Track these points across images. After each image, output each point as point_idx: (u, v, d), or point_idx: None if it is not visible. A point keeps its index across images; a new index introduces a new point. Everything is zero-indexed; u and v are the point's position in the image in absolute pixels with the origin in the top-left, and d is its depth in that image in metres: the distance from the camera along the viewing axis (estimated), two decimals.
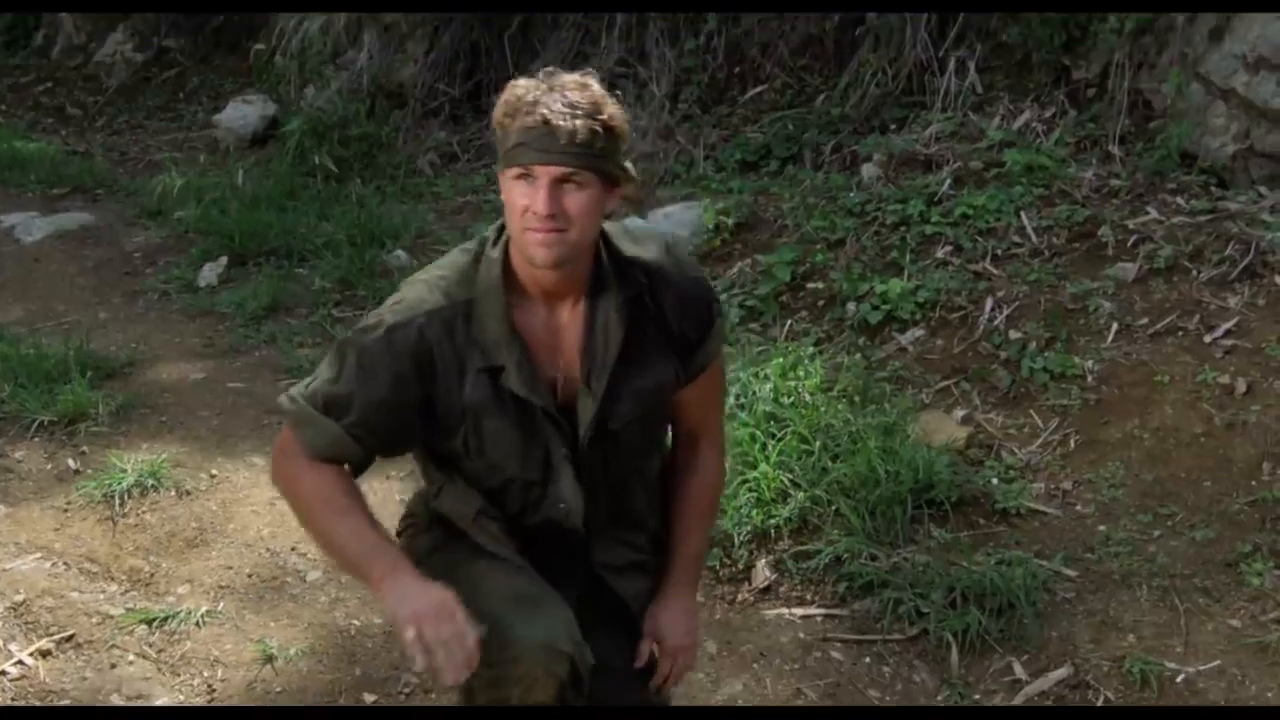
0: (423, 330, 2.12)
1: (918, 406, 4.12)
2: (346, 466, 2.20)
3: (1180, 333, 4.22)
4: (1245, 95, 4.91)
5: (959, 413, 4.13)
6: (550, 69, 2.10)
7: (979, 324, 4.41)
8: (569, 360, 2.19)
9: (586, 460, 2.22)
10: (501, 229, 2.18)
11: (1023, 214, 4.83)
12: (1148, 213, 4.77)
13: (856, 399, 4.02)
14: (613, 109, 2.08)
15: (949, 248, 4.80)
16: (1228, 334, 4.16)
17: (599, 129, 2.04)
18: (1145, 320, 4.29)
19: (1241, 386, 3.95)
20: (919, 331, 4.47)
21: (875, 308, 4.54)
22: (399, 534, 2.41)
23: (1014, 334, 4.33)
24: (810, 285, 4.79)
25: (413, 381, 2.13)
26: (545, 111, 2.01)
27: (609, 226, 2.22)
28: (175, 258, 5.90)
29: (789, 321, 4.64)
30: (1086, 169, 5.07)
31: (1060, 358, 4.18)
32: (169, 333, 5.10)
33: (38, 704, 3.01)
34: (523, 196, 2.05)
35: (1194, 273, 4.42)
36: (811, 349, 4.33)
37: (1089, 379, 4.12)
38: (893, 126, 5.73)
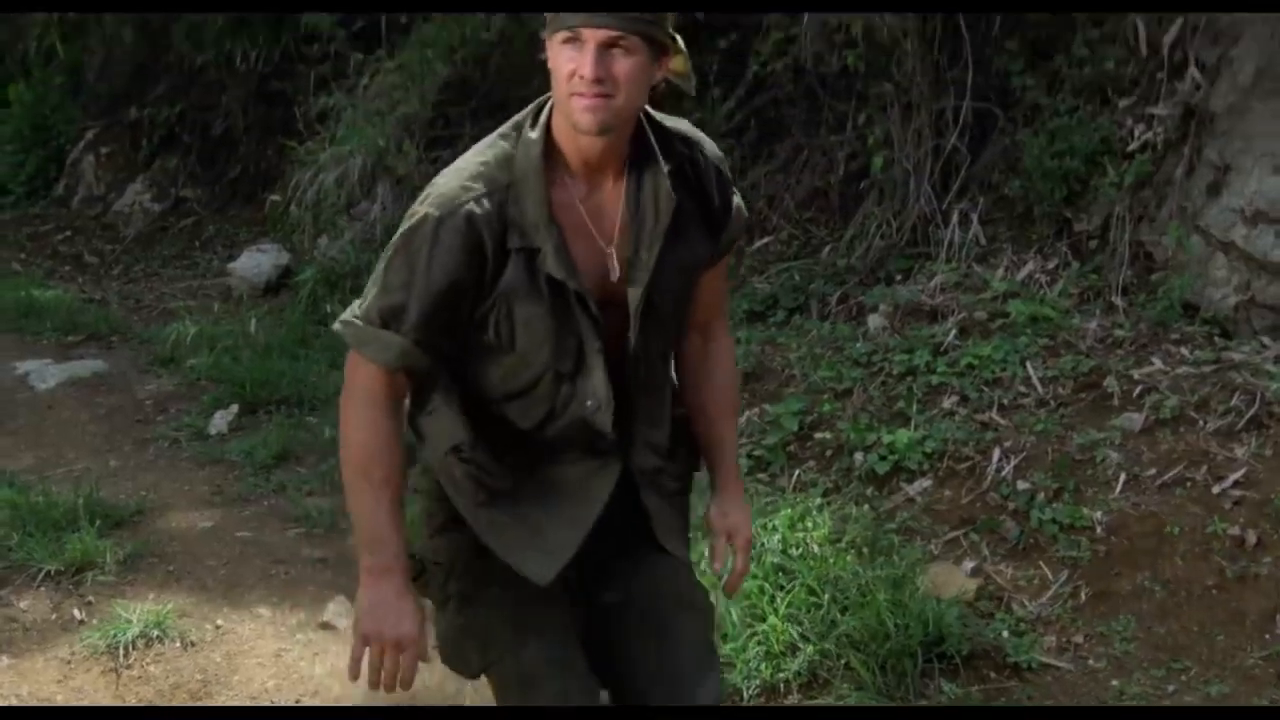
0: (470, 217, 2.07)
1: (927, 558, 4.10)
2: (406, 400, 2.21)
3: (1188, 483, 4.21)
4: (1245, 248, 4.98)
5: (968, 564, 4.11)
6: None
7: (987, 474, 4.41)
8: (610, 237, 2.15)
9: (633, 342, 2.17)
10: (538, 111, 2.16)
11: (1028, 364, 4.87)
12: (1152, 363, 4.80)
13: (865, 550, 4.01)
14: None
15: (955, 398, 4.82)
16: (1236, 485, 4.16)
17: None
18: (1153, 471, 4.29)
19: (1252, 538, 3.94)
20: (927, 482, 4.48)
21: (883, 458, 4.55)
22: (428, 534, 2.34)
23: (1022, 484, 4.33)
24: (818, 435, 4.81)
25: (465, 270, 2.08)
26: None
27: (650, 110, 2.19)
28: (187, 405, 5.95)
29: (797, 472, 4.65)
30: (1090, 320, 5.12)
31: (1069, 509, 4.18)
32: (178, 481, 5.12)
33: None
34: (569, 61, 2.03)
35: (1200, 423, 4.44)
36: (819, 500, 4.33)
37: (1098, 530, 4.11)
38: (898, 277, 5.80)
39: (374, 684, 2.09)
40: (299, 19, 7.79)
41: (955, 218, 5.85)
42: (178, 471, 5.23)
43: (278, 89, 8.80)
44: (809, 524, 4.08)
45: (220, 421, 5.64)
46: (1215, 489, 4.15)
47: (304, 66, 8.03)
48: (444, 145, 7.41)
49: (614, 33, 2.00)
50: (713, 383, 2.41)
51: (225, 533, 4.64)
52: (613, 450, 2.24)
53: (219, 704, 3.59)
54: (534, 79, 7.07)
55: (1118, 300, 5.23)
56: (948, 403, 4.81)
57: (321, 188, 7.18)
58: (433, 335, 2.11)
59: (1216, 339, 4.96)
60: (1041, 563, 4.06)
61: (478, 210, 2.07)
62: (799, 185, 6.56)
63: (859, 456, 4.61)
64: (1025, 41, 6.04)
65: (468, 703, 3.39)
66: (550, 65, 2.07)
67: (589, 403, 2.17)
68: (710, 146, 2.28)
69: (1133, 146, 5.50)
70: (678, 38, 2.15)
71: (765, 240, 6.51)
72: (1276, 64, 5.04)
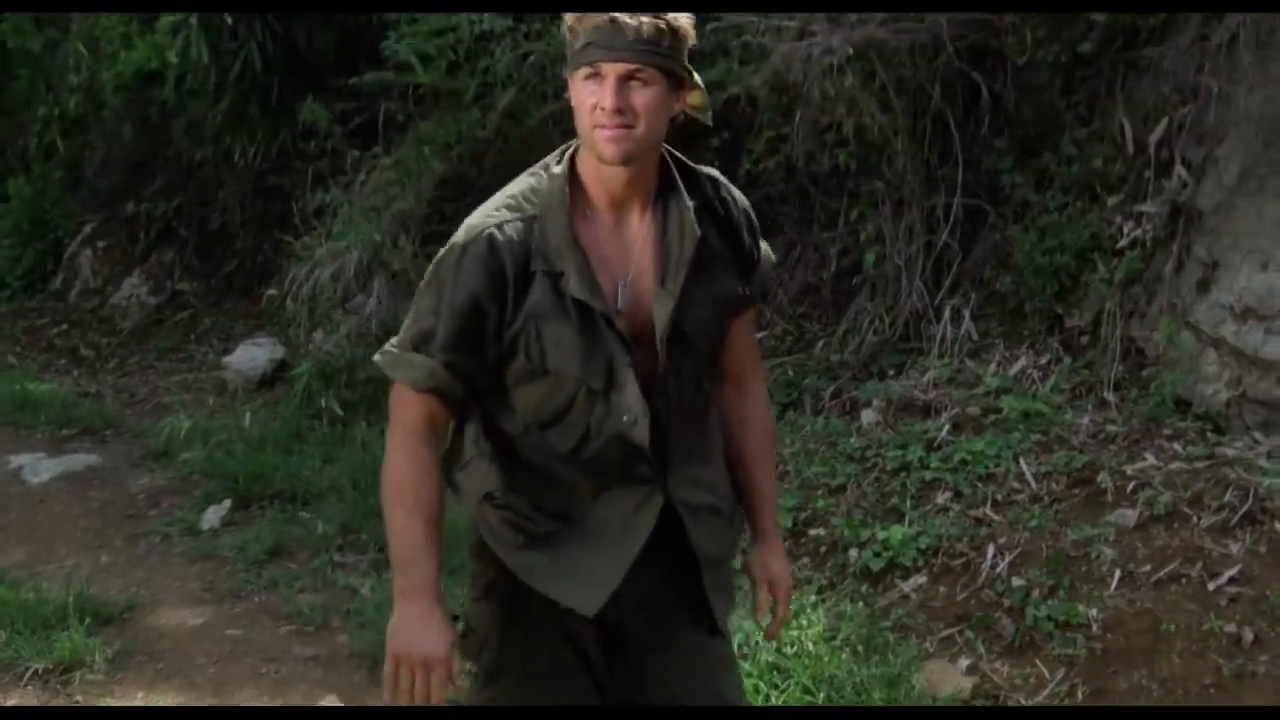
0: (492, 241, 2.17)
1: (921, 656, 4.07)
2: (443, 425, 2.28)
3: (1183, 580, 4.20)
4: (1235, 343, 5.02)
5: (963, 662, 4.08)
6: None
7: (981, 571, 4.40)
8: (638, 267, 2.22)
9: (662, 371, 2.22)
10: (563, 152, 2.26)
11: (1021, 460, 4.87)
12: (1145, 459, 4.81)
13: (860, 649, 3.98)
14: (677, 12, 2.15)
15: (949, 493, 4.82)
16: (1231, 581, 4.15)
17: (664, 27, 2.12)
18: (1148, 567, 4.28)
19: (1249, 636, 3.92)
20: (921, 579, 4.46)
21: (877, 554, 4.54)
22: (472, 597, 2.41)
23: (1017, 581, 4.31)
24: (812, 531, 4.80)
25: (486, 290, 2.16)
26: (613, 12, 2.09)
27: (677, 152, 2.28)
28: (179, 500, 5.93)
29: (791, 569, 4.63)
30: (1083, 415, 5.14)
31: (1064, 605, 4.16)
32: (169, 577, 5.09)
33: None
34: (591, 95, 2.12)
35: (1194, 519, 4.43)
36: (814, 597, 4.31)
37: (1094, 627, 4.08)
38: (891, 373, 5.83)
39: (404, 702, 2.17)
40: (296, 116, 7.88)
41: (947, 313, 5.90)
42: (169, 567, 5.20)
43: (275, 184, 8.88)
44: (804, 621, 4.06)
45: (213, 516, 5.62)
46: (1211, 586, 4.14)
47: (301, 162, 8.11)
48: (439, 240, 7.38)
49: (632, 66, 2.11)
50: (748, 431, 2.45)
51: (215, 630, 4.60)
52: (652, 480, 2.27)
53: None
54: None
55: (1110, 396, 5.26)
56: (941, 498, 4.80)
57: (317, 282, 7.21)
58: (460, 356, 2.20)
59: (1209, 434, 4.97)
60: (1038, 660, 4.03)
61: (499, 235, 2.18)
62: (792, 281, 6.61)
63: (853, 553, 4.60)
64: (1014, 139, 6.14)
65: None
66: (574, 102, 2.17)
67: (624, 417, 2.21)
68: (739, 193, 2.36)
69: (1122, 243, 5.56)
70: (694, 72, 2.24)
71: (759, 335, 6.54)
72: (1260, 163, 5.11)
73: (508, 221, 2.19)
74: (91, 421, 7.21)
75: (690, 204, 2.23)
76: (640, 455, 2.24)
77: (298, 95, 7.96)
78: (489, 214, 2.21)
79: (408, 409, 2.25)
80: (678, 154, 2.29)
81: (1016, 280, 5.83)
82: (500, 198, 2.24)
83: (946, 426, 5.15)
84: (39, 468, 6.38)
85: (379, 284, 7.41)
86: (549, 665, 2.32)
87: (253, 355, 7.87)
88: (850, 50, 5.88)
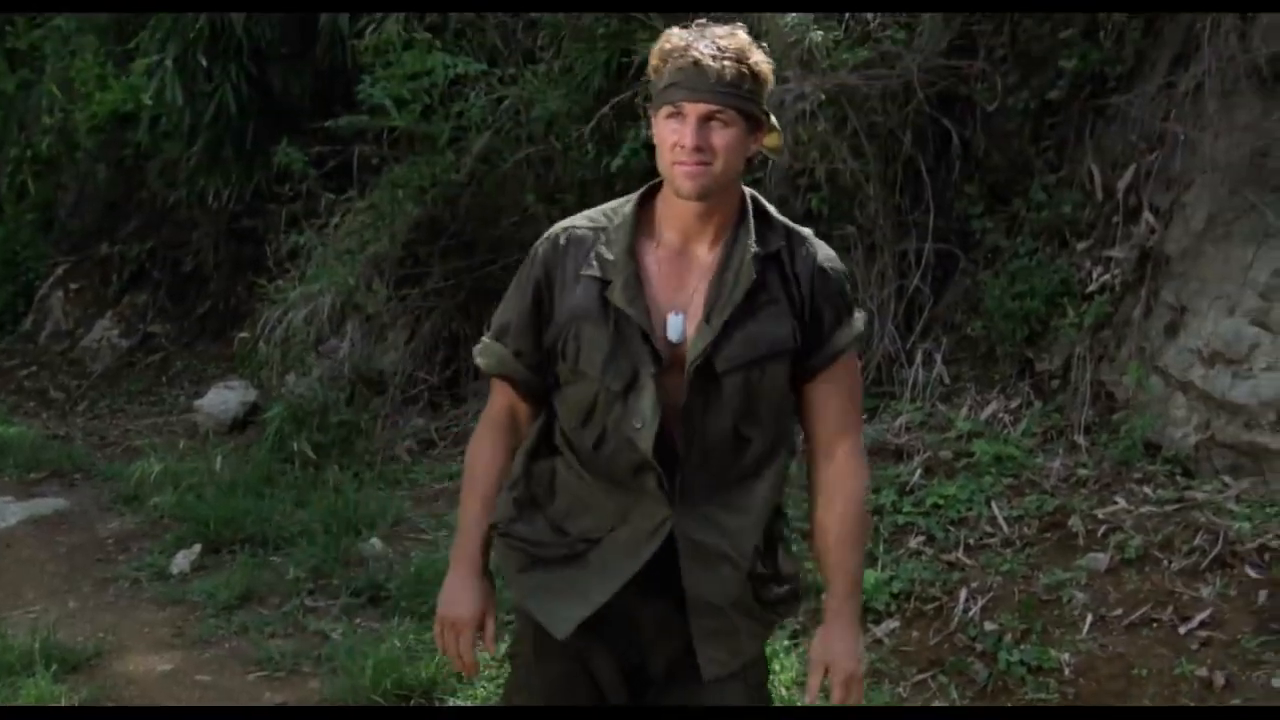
0: (557, 241, 2.37)
1: (895, 701, 4.07)
2: (520, 411, 2.45)
3: (1155, 624, 4.21)
4: (1203, 388, 5.05)
5: (938, 706, 4.08)
6: (703, 21, 2.30)
7: (954, 615, 4.40)
8: (694, 300, 2.30)
9: (687, 401, 2.27)
10: (650, 185, 2.37)
11: (993, 504, 4.89)
12: (1116, 502, 4.83)
13: None
14: (758, 56, 2.27)
15: (922, 537, 4.83)
16: (1202, 625, 4.16)
17: (745, 71, 2.23)
18: (1119, 611, 4.29)
19: (1220, 680, 3.93)
20: (894, 623, 4.46)
21: None
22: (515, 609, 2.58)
23: (989, 625, 4.32)
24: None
25: (544, 284, 2.35)
26: (696, 54, 2.21)
27: (764, 201, 2.37)
28: (148, 544, 5.88)
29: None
30: (1054, 459, 5.16)
31: (1036, 650, 4.16)
32: (138, 622, 5.04)
33: None
34: (673, 133, 2.23)
35: (1165, 563, 4.45)
36: (787, 641, 4.30)
37: (1066, 672, 4.09)
38: (863, 417, 5.83)
39: (449, 656, 2.46)
40: (271, 158, 7.90)
41: (919, 357, 5.93)
42: (138, 612, 5.15)
43: (249, 227, 8.89)
44: (776, 667, 4.04)
45: (183, 561, 5.58)
46: (1182, 629, 4.15)
47: (275, 205, 8.11)
48: (413, 284, 7.49)
49: (712, 107, 2.22)
50: (833, 507, 2.39)
51: (185, 676, 4.56)
52: (667, 509, 2.30)
53: None
54: (502, 219, 7.19)
55: (1080, 439, 5.28)
56: (914, 543, 4.81)
57: (290, 325, 7.20)
58: (528, 345, 2.38)
59: (1179, 478, 5.00)
60: (1010, 705, 4.03)
61: (562, 238, 2.37)
62: None
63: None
64: (984, 185, 6.20)
65: None
66: (656, 139, 2.29)
67: (635, 421, 2.27)
68: (821, 250, 2.38)
69: (1091, 288, 5.61)
70: (772, 115, 2.34)
71: None
72: (1227, 209, 5.17)
73: (580, 227, 2.37)
74: (60, 464, 7.15)
75: (755, 248, 2.29)
76: (648, 467, 2.28)
77: (272, 138, 7.97)
78: (570, 220, 2.41)
79: (492, 396, 2.49)
80: (763, 201, 2.38)
81: (987, 325, 5.87)
82: (588, 211, 2.42)
83: (919, 470, 5.16)
84: (6, 511, 6.32)
85: (352, 327, 7.41)
86: (559, 694, 2.41)
87: (224, 398, 7.83)
88: (823, 96, 5.94)
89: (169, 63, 8.20)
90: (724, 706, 2.37)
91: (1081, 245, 5.75)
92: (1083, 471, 5.05)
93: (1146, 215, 5.49)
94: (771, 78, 2.29)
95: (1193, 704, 3.85)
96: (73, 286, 10.23)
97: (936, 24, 6.09)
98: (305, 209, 7.81)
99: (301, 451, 6.63)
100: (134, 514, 6.31)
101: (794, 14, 5.99)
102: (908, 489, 5.07)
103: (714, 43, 2.23)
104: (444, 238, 7.43)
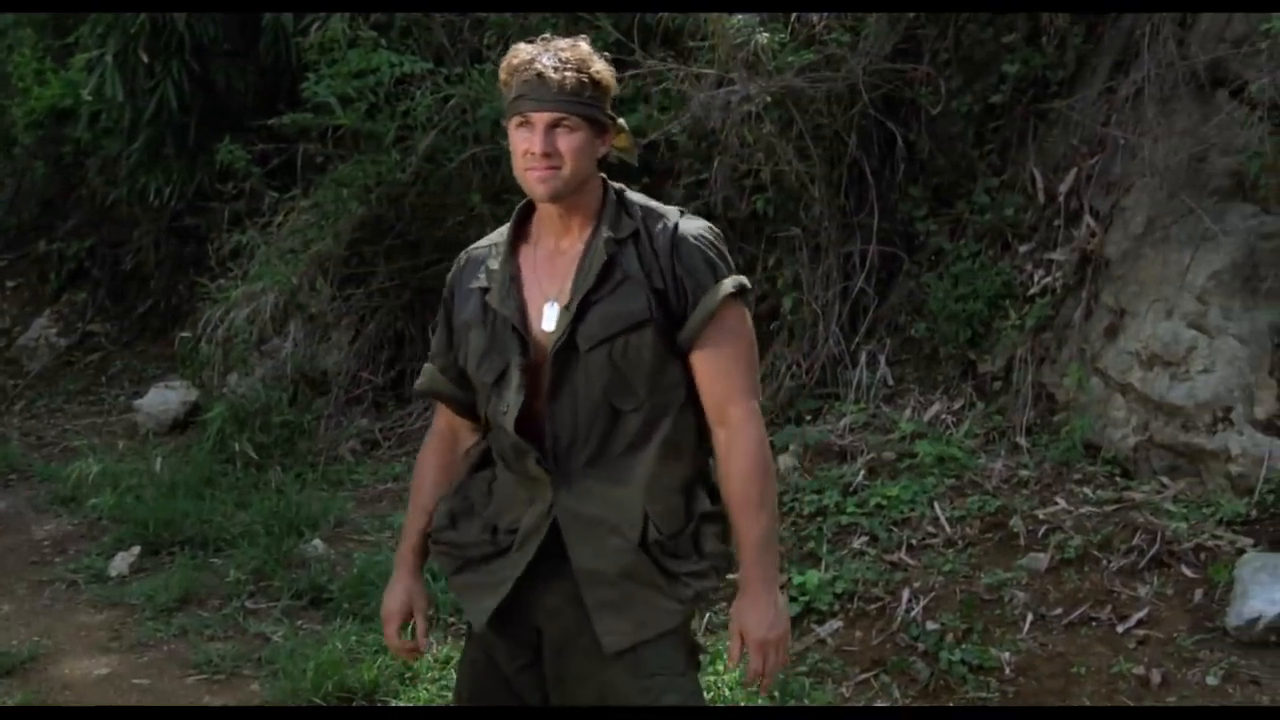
0: (460, 264, 2.59)
1: (838, 700, 4.09)
2: (456, 428, 2.63)
3: (1094, 623, 4.26)
4: (1142, 390, 5.12)
5: (880, 706, 4.10)
6: (547, 35, 2.44)
7: (896, 615, 4.43)
8: (565, 287, 2.43)
9: (552, 375, 2.40)
10: None
11: (936, 504, 4.93)
12: (1056, 503, 4.89)
13: (776, 694, 3.98)
14: (600, 65, 2.41)
15: (865, 538, 4.86)
16: (1140, 624, 4.23)
17: (586, 80, 2.37)
18: (1059, 610, 4.34)
19: (1156, 678, 3.98)
20: (837, 623, 4.48)
21: (794, 599, 4.55)
22: None
23: (931, 625, 4.35)
24: (729, 576, 4.78)
25: (449, 303, 2.57)
26: (539, 66, 2.35)
27: (628, 191, 2.52)
28: (86, 546, 5.81)
29: (709, 614, 4.63)
30: (995, 460, 5.21)
31: (977, 649, 4.19)
32: (74, 625, 4.97)
33: None
34: (523, 141, 2.38)
35: (1104, 562, 4.51)
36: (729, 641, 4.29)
37: (1007, 670, 4.12)
38: (808, 418, 5.87)
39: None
40: (214, 156, 7.80)
41: (863, 359, 5.96)
42: (75, 615, 5.08)
43: (190, 225, 8.77)
44: (720, 668, 4.05)
45: (121, 563, 5.50)
46: (1120, 628, 4.21)
47: (218, 203, 8.00)
48: (357, 283, 7.43)
49: (557, 114, 2.36)
50: (730, 473, 2.42)
51: (122, 680, 4.50)
52: (548, 489, 2.41)
53: None
54: (448, 218, 7.15)
55: (1022, 440, 5.33)
56: (857, 543, 4.84)
57: (232, 325, 7.12)
58: (449, 361, 2.57)
59: (1118, 478, 5.06)
60: (952, 704, 4.06)
61: (463, 259, 2.59)
62: None
63: None
64: (928, 188, 6.24)
65: None
66: (510, 147, 2.42)
67: (502, 407, 2.42)
68: (687, 226, 2.46)
69: (1033, 290, 5.66)
70: (618, 118, 2.49)
71: None
72: (1165, 213, 5.24)
73: (479, 247, 2.57)
74: None
75: (607, 233, 2.41)
76: (523, 449, 2.40)
77: (215, 135, 7.88)
78: (477, 242, 2.60)
79: (435, 413, 2.69)
80: (626, 192, 2.51)
81: (931, 326, 5.91)
82: (496, 230, 2.59)
83: (862, 471, 5.19)
84: None
85: (295, 327, 7.34)
86: (470, 679, 2.59)
87: (165, 398, 7.74)
88: (768, 98, 5.96)
89: (109, 58, 8.08)
90: (716, 707, 2.43)
91: (1023, 248, 5.81)
92: (1024, 472, 5.10)
93: (1087, 218, 5.55)
94: (614, 84, 2.43)
95: (1130, 702, 3.90)
96: (9, 284, 10.07)
97: (881, 27, 6.13)
98: (248, 207, 7.72)
99: (243, 452, 6.56)
100: (71, 515, 6.22)
101: (740, 15, 6.00)
102: (851, 489, 5.09)
103: (556, 55, 2.36)
104: (389, 237, 7.38)
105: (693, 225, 2.46)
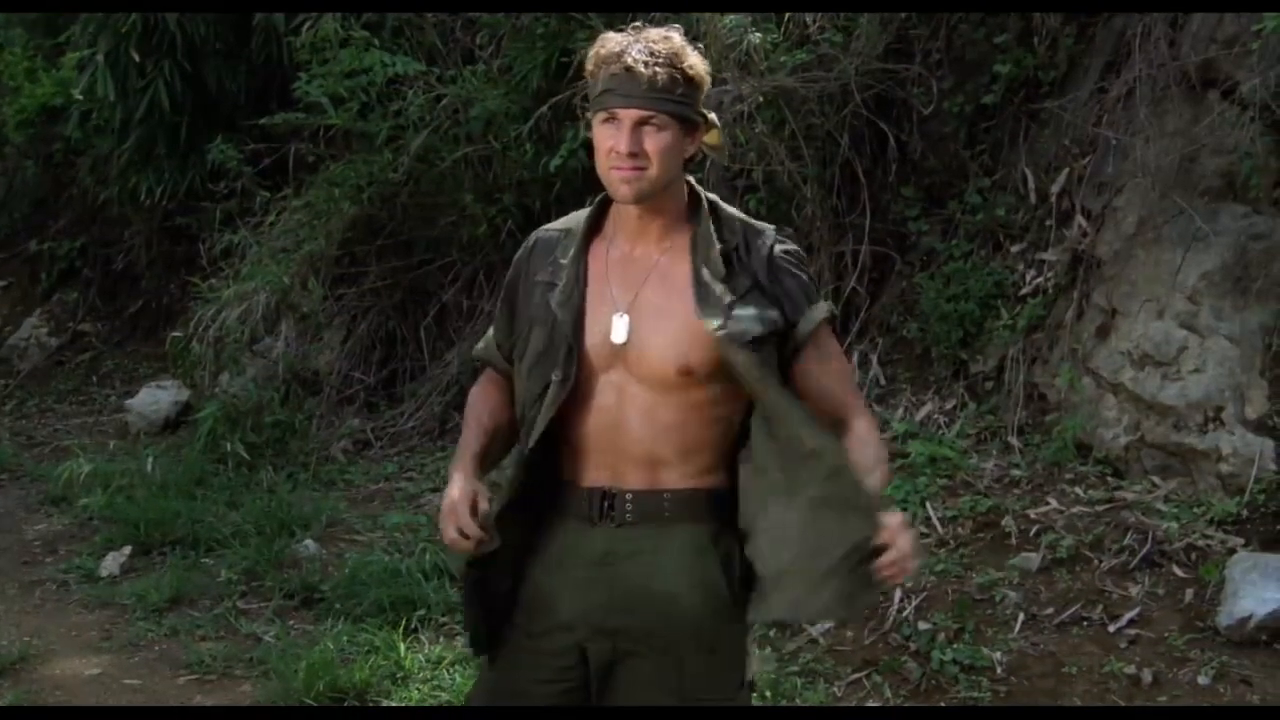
0: (530, 247, 2.44)
1: (830, 700, 4.09)
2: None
3: (1085, 623, 4.27)
4: (1133, 389, 5.13)
5: (872, 705, 4.10)
6: (638, 24, 2.29)
7: (888, 615, 4.43)
8: (640, 299, 2.30)
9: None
10: None
11: (928, 504, 4.93)
12: (1048, 503, 4.89)
13: (769, 694, 3.98)
14: (693, 59, 2.26)
15: None
16: (1131, 624, 4.24)
17: (678, 75, 2.22)
18: (1051, 610, 4.35)
19: (1148, 677, 3.99)
20: (829, 623, 4.48)
21: None
22: None
23: (923, 625, 4.35)
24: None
25: (513, 286, 2.44)
26: (629, 59, 2.21)
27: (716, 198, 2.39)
28: (77, 546, 5.79)
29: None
30: (987, 460, 5.21)
31: (969, 649, 4.20)
32: (65, 625, 4.96)
33: None
34: (608, 138, 2.24)
35: (1095, 562, 4.52)
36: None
37: (998, 670, 4.13)
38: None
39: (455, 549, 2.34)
40: (205, 156, 7.79)
41: (855, 359, 5.96)
42: (65, 615, 5.07)
43: (182, 225, 8.75)
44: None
45: (112, 563, 5.49)
46: (1111, 628, 4.22)
47: (209, 203, 7.98)
48: (349, 283, 7.43)
49: (645, 112, 2.22)
50: (864, 452, 2.31)
51: (113, 680, 4.49)
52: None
53: None
54: (440, 218, 7.15)
55: (1014, 440, 5.34)
56: None
57: (224, 324, 7.11)
58: (505, 339, 2.45)
59: (1109, 478, 5.07)
60: (944, 704, 4.06)
61: (533, 242, 2.44)
62: None
63: None
64: (920, 188, 6.25)
65: None
66: (594, 143, 2.29)
67: (536, 426, 2.31)
68: (780, 246, 2.34)
69: (1025, 290, 5.67)
70: (709, 115, 2.34)
71: None
72: (1157, 213, 5.24)
73: (551, 230, 2.44)
74: None
75: (718, 244, 2.30)
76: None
77: (207, 135, 7.87)
78: (549, 224, 2.47)
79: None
80: (715, 200, 2.37)
81: (923, 327, 5.92)
82: (573, 213, 2.46)
83: None
84: None
85: (287, 326, 7.33)
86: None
87: (156, 398, 7.72)
88: (761, 98, 5.96)
89: (100, 57, 8.06)
90: (724, 708, 2.34)
91: (1015, 248, 5.82)
92: (1016, 472, 5.10)
93: (1079, 219, 5.56)
94: (707, 79, 2.29)
95: (1121, 701, 3.90)
96: (0, 284, 10.05)
97: (873, 28, 6.13)
98: (240, 207, 7.71)
99: (235, 452, 6.55)
100: (62, 515, 6.21)
101: (733, 16, 6.01)
102: None
103: (647, 47, 2.22)
104: (381, 237, 7.38)
105: (789, 246, 2.36)
